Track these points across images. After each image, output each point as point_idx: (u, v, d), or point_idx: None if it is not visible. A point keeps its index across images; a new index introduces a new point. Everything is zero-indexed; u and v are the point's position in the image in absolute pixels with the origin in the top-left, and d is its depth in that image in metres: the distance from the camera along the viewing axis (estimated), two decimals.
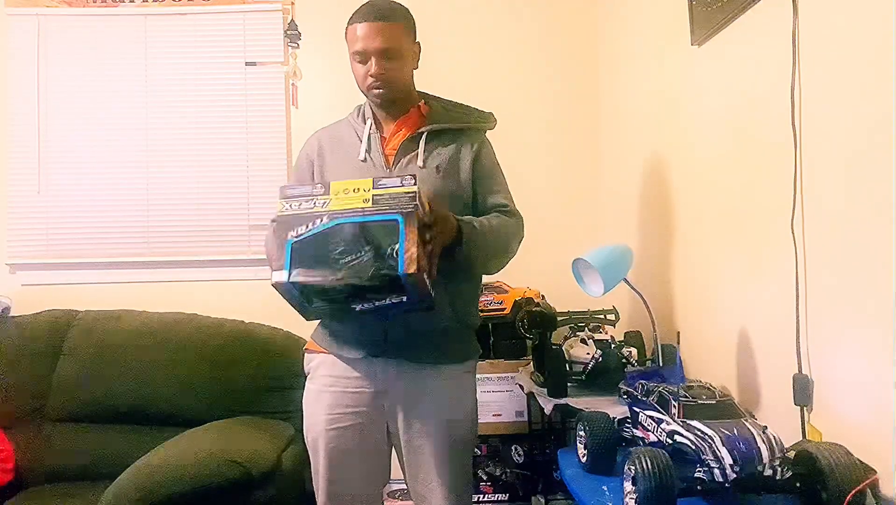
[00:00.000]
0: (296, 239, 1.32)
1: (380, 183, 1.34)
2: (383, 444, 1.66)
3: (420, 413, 1.61)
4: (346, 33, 1.64)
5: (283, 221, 1.34)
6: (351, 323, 1.60)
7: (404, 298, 1.34)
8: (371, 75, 1.59)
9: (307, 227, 1.33)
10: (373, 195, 1.33)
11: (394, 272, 1.26)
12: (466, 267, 1.57)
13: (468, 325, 1.69)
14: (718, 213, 1.74)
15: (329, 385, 1.63)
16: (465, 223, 1.50)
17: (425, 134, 1.64)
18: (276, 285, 1.32)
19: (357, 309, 1.37)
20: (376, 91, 1.61)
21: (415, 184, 1.32)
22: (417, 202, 1.31)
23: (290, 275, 1.29)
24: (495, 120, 1.75)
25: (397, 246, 1.27)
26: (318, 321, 1.68)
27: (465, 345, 1.69)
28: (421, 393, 1.60)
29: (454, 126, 1.67)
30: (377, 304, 1.36)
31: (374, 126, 1.66)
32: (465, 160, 1.65)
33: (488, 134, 1.74)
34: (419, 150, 1.62)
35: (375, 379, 1.61)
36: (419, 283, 1.29)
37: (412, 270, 1.25)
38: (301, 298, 1.35)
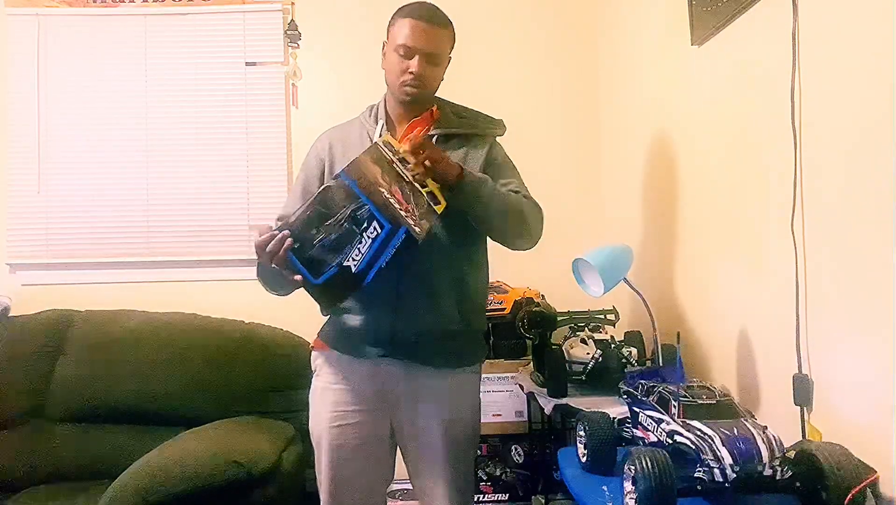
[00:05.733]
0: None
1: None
2: (387, 442, 1.66)
3: (423, 412, 1.61)
4: (392, 23, 1.63)
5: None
6: (359, 321, 1.61)
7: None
8: (411, 73, 1.58)
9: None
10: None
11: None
12: (480, 222, 1.56)
13: (475, 328, 1.69)
14: (718, 213, 1.74)
15: (333, 382, 1.64)
16: (467, 169, 1.51)
17: (435, 137, 1.64)
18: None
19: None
20: (410, 89, 1.60)
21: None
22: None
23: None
24: (504, 127, 1.75)
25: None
26: (326, 319, 1.69)
27: (472, 348, 1.70)
28: (425, 392, 1.61)
29: (463, 131, 1.68)
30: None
31: (385, 127, 1.66)
32: (476, 164, 1.64)
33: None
34: None
35: (380, 377, 1.62)
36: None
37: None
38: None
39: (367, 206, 1.40)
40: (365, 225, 1.40)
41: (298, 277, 1.44)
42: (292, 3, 2.87)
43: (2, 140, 2.81)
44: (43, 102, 2.82)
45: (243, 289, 2.74)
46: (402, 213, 1.39)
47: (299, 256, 1.43)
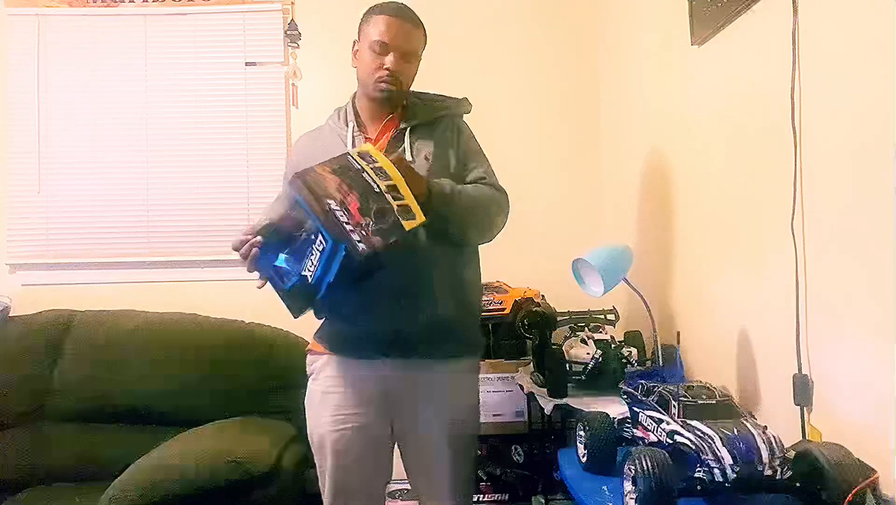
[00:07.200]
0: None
1: None
2: (387, 442, 1.67)
3: (424, 411, 1.62)
4: (365, 21, 1.64)
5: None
6: (357, 323, 1.61)
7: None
8: (387, 69, 1.59)
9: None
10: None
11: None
12: (444, 227, 1.54)
13: (471, 317, 1.71)
14: (718, 213, 1.74)
15: (334, 386, 1.64)
16: (434, 182, 1.50)
17: (409, 129, 1.65)
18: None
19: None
20: (385, 86, 1.61)
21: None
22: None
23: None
24: (470, 104, 1.76)
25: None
26: (322, 321, 1.69)
27: (470, 337, 1.71)
28: (425, 391, 1.61)
29: (435, 116, 1.69)
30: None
31: (356, 128, 1.67)
32: (449, 146, 1.66)
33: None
34: (405, 144, 1.64)
35: (381, 378, 1.62)
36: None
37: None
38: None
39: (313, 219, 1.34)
40: (313, 237, 1.35)
41: (260, 284, 1.44)
42: (292, 3, 2.87)
43: (2, 140, 2.81)
44: (43, 102, 2.82)
45: (243, 289, 2.70)
46: (348, 226, 1.30)
47: (273, 260, 1.42)
